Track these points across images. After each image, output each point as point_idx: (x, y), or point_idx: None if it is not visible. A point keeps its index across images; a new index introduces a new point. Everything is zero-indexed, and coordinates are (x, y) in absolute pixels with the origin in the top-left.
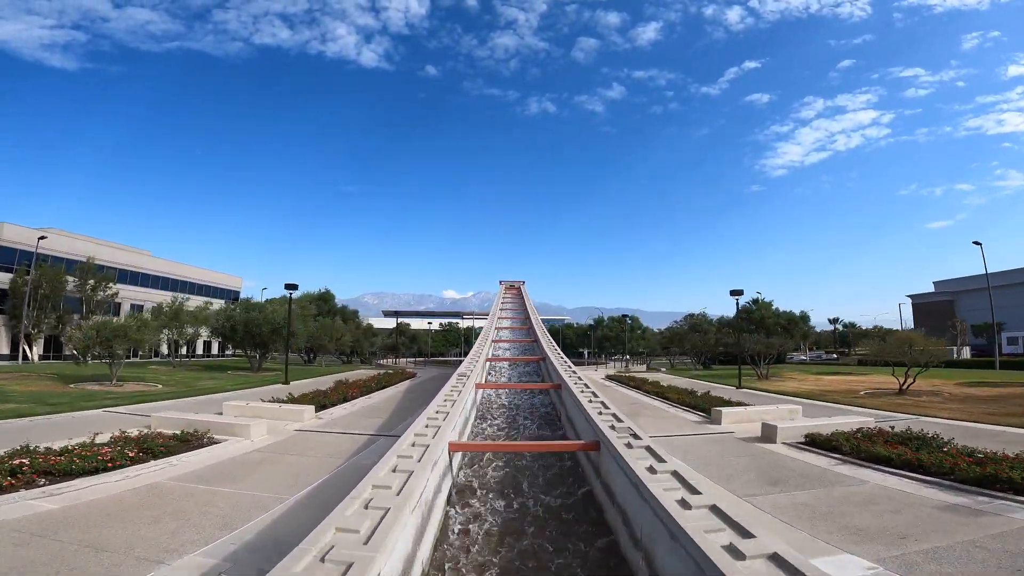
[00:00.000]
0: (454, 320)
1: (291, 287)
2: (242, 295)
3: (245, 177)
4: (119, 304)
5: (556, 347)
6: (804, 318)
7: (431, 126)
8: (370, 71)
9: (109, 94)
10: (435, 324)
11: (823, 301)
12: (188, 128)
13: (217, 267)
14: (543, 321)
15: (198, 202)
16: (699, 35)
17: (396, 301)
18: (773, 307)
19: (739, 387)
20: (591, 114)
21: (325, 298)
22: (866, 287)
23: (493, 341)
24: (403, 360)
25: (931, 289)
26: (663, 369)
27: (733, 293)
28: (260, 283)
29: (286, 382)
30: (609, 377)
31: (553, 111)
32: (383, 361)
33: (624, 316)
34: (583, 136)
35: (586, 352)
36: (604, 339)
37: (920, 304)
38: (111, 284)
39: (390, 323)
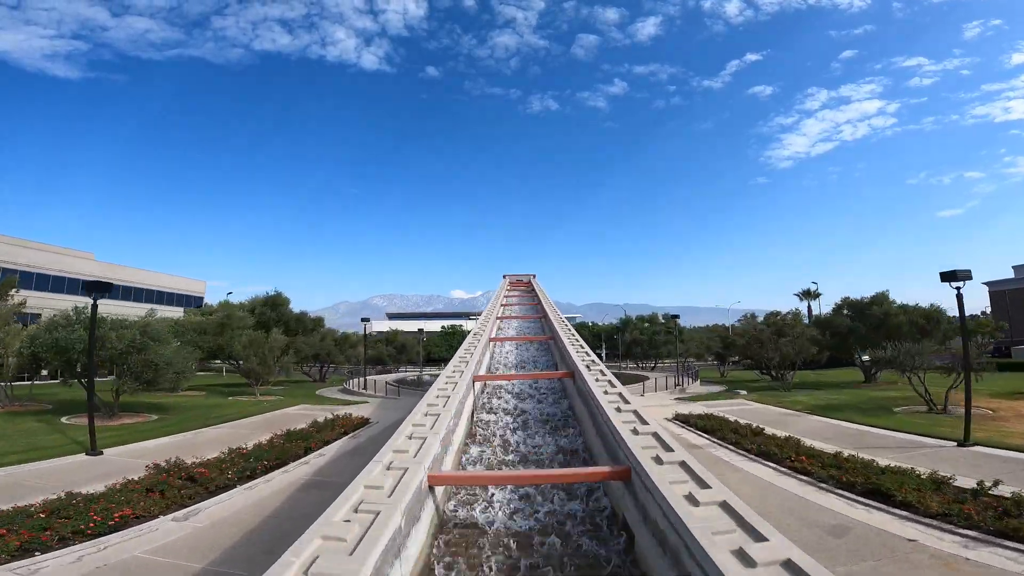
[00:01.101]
0: (458, 322)
1: (98, 287)
2: (207, 300)
3: (249, 183)
4: (38, 315)
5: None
6: (940, 313)
7: (434, 127)
8: (371, 74)
9: (112, 102)
10: (431, 326)
11: (839, 292)
12: (191, 135)
13: (222, 275)
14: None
15: (202, 209)
16: (699, 28)
17: (405, 302)
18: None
19: (965, 442)
20: (594, 110)
21: (274, 303)
22: (880, 277)
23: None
24: (390, 376)
25: (1009, 275)
26: (742, 392)
27: (948, 277)
28: (269, 288)
29: (92, 449)
30: (680, 420)
31: (555, 108)
32: (348, 386)
33: (672, 316)
34: (586, 133)
35: (603, 354)
36: (634, 343)
37: (998, 292)
38: (13, 291)
39: (394, 325)
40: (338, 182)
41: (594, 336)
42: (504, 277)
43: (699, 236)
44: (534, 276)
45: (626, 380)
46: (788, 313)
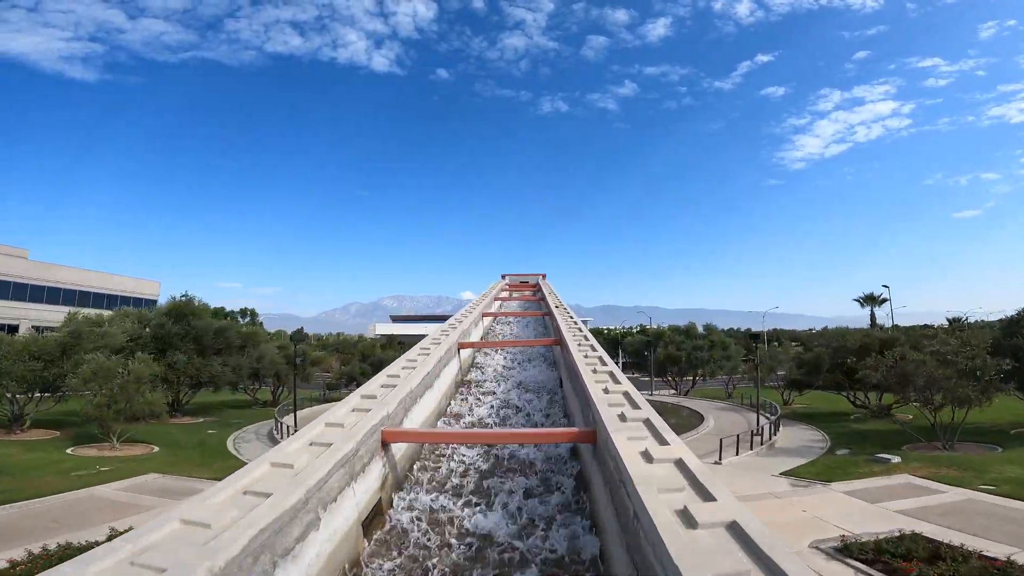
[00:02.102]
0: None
1: None
2: (162, 302)
3: (261, 184)
4: None
5: None
6: None
7: (445, 128)
8: (382, 76)
9: (127, 104)
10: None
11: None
12: (204, 137)
13: (235, 276)
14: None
15: (213, 210)
16: (709, 30)
17: (415, 304)
18: None
19: None
20: (604, 111)
21: (180, 312)
22: (899, 278)
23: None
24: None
25: None
26: (892, 458)
27: None
28: (287, 291)
29: None
30: (867, 561)
31: (566, 110)
32: (277, 430)
33: (751, 334)
34: (597, 134)
35: (621, 362)
36: (668, 360)
37: None
38: None
39: (399, 329)
40: (349, 183)
41: (609, 343)
42: (503, 277)
43: (709, 238)
44: (543, 276)
45: (670, 418)
46: (955, 326)
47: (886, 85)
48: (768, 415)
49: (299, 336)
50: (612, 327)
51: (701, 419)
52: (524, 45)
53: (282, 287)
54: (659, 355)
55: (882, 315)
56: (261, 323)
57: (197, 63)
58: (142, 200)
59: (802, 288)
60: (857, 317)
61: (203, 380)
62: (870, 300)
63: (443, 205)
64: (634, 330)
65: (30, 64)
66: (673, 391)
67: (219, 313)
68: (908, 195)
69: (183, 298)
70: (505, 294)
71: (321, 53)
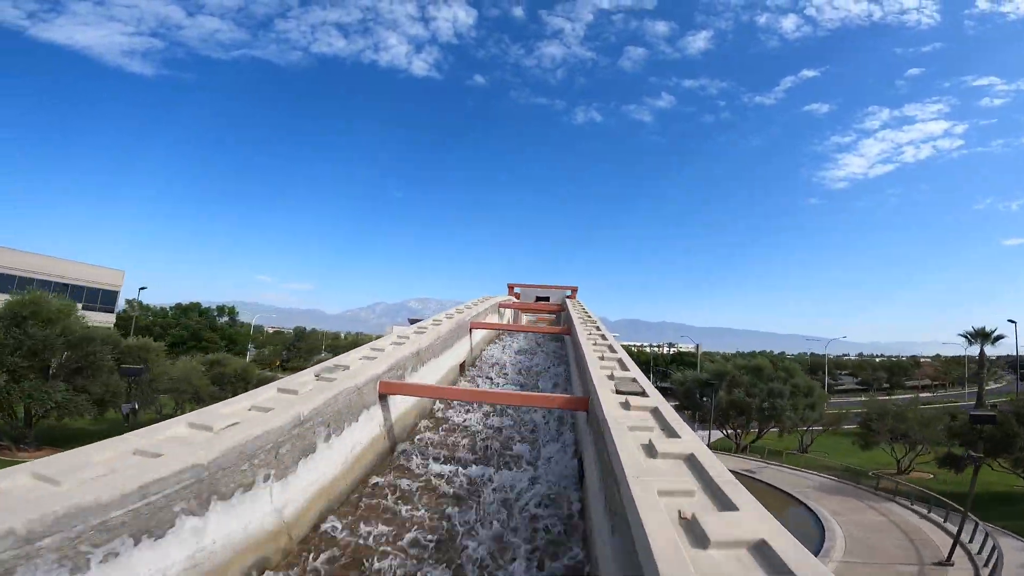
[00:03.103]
0: None
1: None
2: (124, 295)
3: (295, 182)
4: None
5: None
6: None
7: (478, 134)
8: (420, 80)
9: (182, 99)
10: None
11: (909, 320)
12: (247, 135)
13: (268, 270)
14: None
15: (248, 207)
16: (752, 43)
17: (439, 307)
18: None
19: None
20: (639, 123)
21: (18, 316)
22: (941, 309)
23: None
24: None
25: None
26: None
27: None
28: (319, 287)
29: None
30: None
31: (600, 120)
32: None
33: (990, 412)
34: (631, 145)
35: (653, 380)
36: (732, 406)
37: None
38: None
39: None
40: (384, 184)
41: (641, 365)
42: (510, 289)
43: (739, 254)
44: (573, 292)
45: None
46: None
47: (939, 104)
48: (942, 519)
49: (135, 370)
50: (640, 343)
51: (812, 517)
52: (561, 54)
53: (315, 283)
54: (721, 399)
55: (897, 340)
56: (243, 323)
57: (247, 61)
58: (186, 193)
59: (835, 311)
60: (894, 343)
61: (36, 412)
62: (981, 336)
63: (473, 210)
64: (665, 350)
65: (94, 57)
66: (722, 435)
67: (192, 309)
68: (956, 219)
69: (27, 293)
70: (488, 332)
71: (363, 56)
